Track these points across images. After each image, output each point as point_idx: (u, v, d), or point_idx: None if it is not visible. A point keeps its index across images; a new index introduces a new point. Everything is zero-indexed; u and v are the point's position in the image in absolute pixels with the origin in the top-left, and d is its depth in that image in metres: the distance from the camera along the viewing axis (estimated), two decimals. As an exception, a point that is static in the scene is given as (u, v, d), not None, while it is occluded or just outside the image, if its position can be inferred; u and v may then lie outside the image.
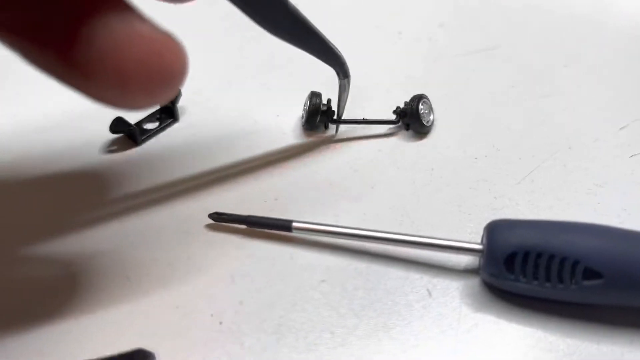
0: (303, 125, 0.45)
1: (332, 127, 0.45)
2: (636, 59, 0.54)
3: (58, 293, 0.35)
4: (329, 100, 0.44)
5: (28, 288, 0.35)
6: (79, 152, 0.43)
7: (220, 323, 0.34)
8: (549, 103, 0.49)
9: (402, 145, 0.45)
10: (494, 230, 0.35)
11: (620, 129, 0.46)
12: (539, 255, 0.33)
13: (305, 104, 0.45)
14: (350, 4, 0.61)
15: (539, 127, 0.46)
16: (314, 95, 0.44)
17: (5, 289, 0.35)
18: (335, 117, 0.44)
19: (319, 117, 0.44)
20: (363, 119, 0.45)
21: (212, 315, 0.34)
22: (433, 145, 0.45)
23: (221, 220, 0.39)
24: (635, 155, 0.44)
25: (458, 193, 0.41)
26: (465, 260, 0.37)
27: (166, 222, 0.39)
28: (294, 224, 0.37)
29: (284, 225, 0.38)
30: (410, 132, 0.45)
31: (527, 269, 0.33)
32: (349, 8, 0.60)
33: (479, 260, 0.36)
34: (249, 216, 0.38)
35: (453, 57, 0.53)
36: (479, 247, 0.35)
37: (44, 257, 0.37)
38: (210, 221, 0.39)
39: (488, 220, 0.36)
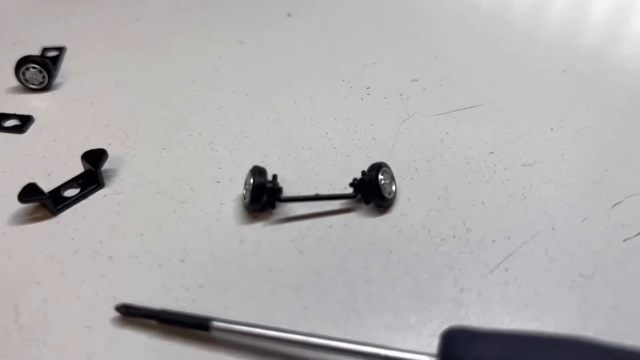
0: (245, 205, 0.39)
1: (280, 205, 0.39)
2: (635, 122, 0.48)
3: None
4: (274, 177, 0.38)
5: None
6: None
7: None
8: (532, 173, 0.43)
9: (357, 222, 0.38)
10: (451, 342, 0.28)
11: (613, 205, 0.40)
12: (503, 378, 0.27)
13: (246, 181, 0.39)
14: (311, 48, 0.56)
15: (519, 202, 0.40)
16: (258, 172, 0.38)
17: None
18: (281, 195, 0.38)
19: (264, 197, 0.38)
20: (315, 195, 0.38)
21: None
22: (393, 223, 0.38)
23: (130, 315, 0.32)
24: (629, 239, 0.38)
25: (418, 284, 0.35)
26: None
27: (67, 311, 0.33)
28: (214, 324, 0.31)
29: (201, 324, 0.31)
30: (369, 206, 0.39)
31: (489, 394, 0.27)
32: (312, 55, 0.55)
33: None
34: (162, 311, 0.32)
35: (426, 117, 0.48)
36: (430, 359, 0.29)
37: None
38: (117, 314, 0.33)
39: (450, 322, 0.30)
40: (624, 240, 0.37)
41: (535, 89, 0.51)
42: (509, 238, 0.38)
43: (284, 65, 0.53)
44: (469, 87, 0.51)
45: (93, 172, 0.40)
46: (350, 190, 0.39)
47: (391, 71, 0.53)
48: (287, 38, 0.58)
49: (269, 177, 0.38)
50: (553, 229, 0.38)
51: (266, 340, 0.31)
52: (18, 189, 0.38)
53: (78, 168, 0.41)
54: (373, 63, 0.54)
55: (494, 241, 0.37)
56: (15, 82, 0.49)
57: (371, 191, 0.38)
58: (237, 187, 0.40)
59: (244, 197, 0.39)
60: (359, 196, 0.39)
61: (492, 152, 0.44)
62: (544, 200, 0.40)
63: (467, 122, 0.47)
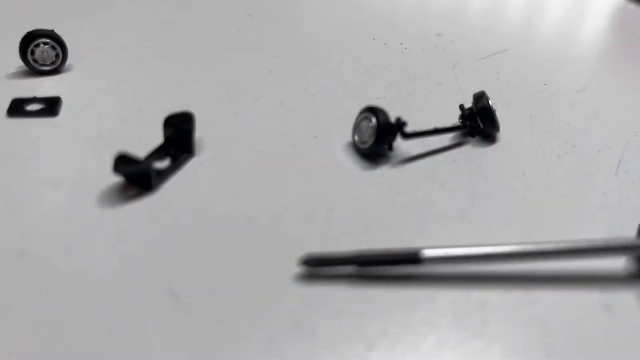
0: (363, 150, 0.35)
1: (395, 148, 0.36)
2: None
3: None
4: (398, 118, 0.35)
5: None
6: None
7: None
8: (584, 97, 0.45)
9: (477, 154, 0.37)
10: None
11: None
12: None
13: (358, 125, 0.36)
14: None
15: (599, 119, 0.42)
16: (379, 113, 0.35)
17: None
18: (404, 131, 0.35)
19: (388, 136, 0.35)
20: (434, 128, 0.36)
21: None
22: (508, 149, 0.38)
23: (319, 265, 0.27)
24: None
25: (565, 195, 0.34)
26: (619, 264, 0.30)
27: (239, 283, 0.27)
28: (425, 253, 0.27)
29: (410, 258, 0.27)
30: (476, 138, 0.38)
31: None
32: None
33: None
34: (358, 253, 0.28)
35: (470, 62, 0.48)
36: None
37: None
38: (301, 270, 0.28)
39: (613, 219, 0.31)
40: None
41: (565, 30, 0.54)
42: (609, 147, 0.39)
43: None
44: (488, 38, 0.53)
45: (180, 138, 0.33)
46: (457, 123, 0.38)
47: (412, 30, 0.53)
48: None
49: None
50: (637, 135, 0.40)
51: (487, 260, 0.28)
52: (89, 174, 0.31)
53: (149, 143, 0.34)
54: (391, 24, 0.53)
55: (599, 151, 0.38)
56: (12, 68, 0.40)
57: (484, 119, 0.37)
58: (336, 139, 0.37)
59: (361, 142, 0.35)
60: (468, 127, 0.38)
61: (546, 84, 0.46)
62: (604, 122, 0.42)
63: (505, 62, 0.48)
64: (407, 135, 0.35)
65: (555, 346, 0.26)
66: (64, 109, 0.37)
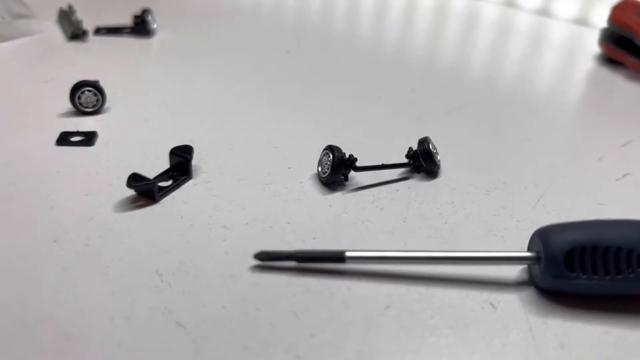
0: (323, 179, 0.45)
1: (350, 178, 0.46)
2: None
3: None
4: (350, 155, 0.45)
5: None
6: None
7: (297, 356, 0.31)
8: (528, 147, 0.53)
9: (418, 186, 0.46)
10: (548, 233, 0.36)
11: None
12: (594, 249, 0.35)
13: (321, 160, 0.45)
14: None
15: (529, 161, 0.50)
16: (335, 150, 0.44)
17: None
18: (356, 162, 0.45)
19: (342, 169, 0.44)
20: (382, 164, 0.46)
21: (285, 350, 0.32)
22: (445, 184, 0.46)
23: (268, 259, 0.37)
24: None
25: (484, 220, 0.43)
26: (513, 273, 0.38)
27: (206, 267, 0.37)
28: (347, 254, 0.36)
29: (337, 257, 0.36)
30: (421, 175, 0.47)
31: (585, 264, 0.34)
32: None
33: (531, 270, 0.37)
34: (297, 251, 0.37)
35: (433, 115, 0.57)
36: (532, 254, 0.36)
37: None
38: (255, 262, 0.37)
39: (520, 240, 0.38)
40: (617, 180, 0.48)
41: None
42: (535, 185, 0.47)
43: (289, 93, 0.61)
44: (448, 91, 0.62)
45: (182, 164, 0.44)
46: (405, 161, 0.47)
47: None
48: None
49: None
50: (563, 177, 0.48)
51: (393, 262, 0.37)
52: (110, 188, 0.42)
53: (159, 168, 0.45)
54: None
55: (525, 188, 0.46)
56: (63, 109, 0.52)
57: (425, 159, 0.46)
58: (305, 170, 0.46)
59: (322, 173, 0.45)
60: (413, 165, 0.47)
61: (494, 134, 0.54)
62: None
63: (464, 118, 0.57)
64: (357, 169, 0.45)
65: (438, 328, 0.34)
66: (99, 141, 0.49)
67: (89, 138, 0.48)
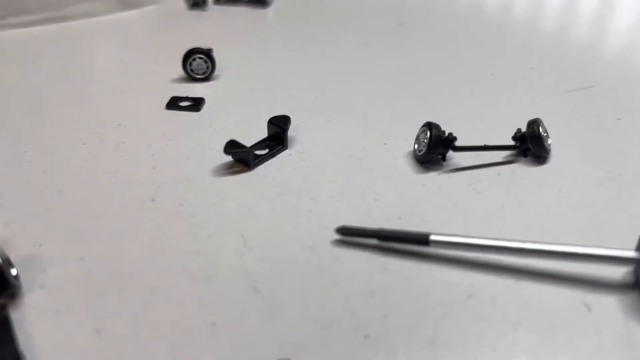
0: (418, 157, 0.43)
1: (449, 158, 0.44)
2: None
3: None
4: (450, 134, 0.43)
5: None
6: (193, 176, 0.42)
7: (366, 336, 0.31)
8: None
9: (523, 171, 0.43)
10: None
11: None
12: None
13: (418, 137, 0.44)
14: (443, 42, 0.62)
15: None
16: (433, 127, 0.42)
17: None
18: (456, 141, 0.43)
19: (439, 148, 0.42)
20: (484, 145, 0.43)
21: (355, 328, 0.31)
22: (554, 170, 0.43)
23: (350, 234, 0.36)
24: None
25: (592, 213, 0.39)
26: (619, 273, 0.34)
27: (289, 236, 0.37)
28: (432, 237, 0.35)
29: (421, 239, 0.35)
30: (528, 159, 0.44)
31: None
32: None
33: (638, 273, 0.33)
34: (380, 229, 0.36)
35: (550, 95, 0.53)
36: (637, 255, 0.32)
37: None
38: (337, 237, 0.37)
39: (630, 238, 0.34)
40: None
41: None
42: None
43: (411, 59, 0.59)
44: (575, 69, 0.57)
45: (279, 134, 0.44)
46: (511, 144, 0.44)
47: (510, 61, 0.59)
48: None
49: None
50: (697, 172, 0.42)
51: (480, 249, 0.35)
52: (210, 153, 0.43)
53: (258, 136, 0.45)
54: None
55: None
56: (177, 74, 0.54)
57: (533, 143, 0.43)
58: (402, 147, 0.45)
59: (418, 151, 0.43)
60: (519, 149, 0.44)
61: (619, 119, 0.49)
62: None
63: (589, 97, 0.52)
64: (456, 149, 0.43)
65: (521, 324, 0.32)
66: (205, 107, 0.51)
67: (196, 103, 0.50)
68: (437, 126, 0.43)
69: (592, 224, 0.38)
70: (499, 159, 0.44)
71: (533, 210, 0.39)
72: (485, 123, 0.49)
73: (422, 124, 0.44)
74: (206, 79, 0.54)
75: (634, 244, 0.34)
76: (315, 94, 0.53)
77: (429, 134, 0.42)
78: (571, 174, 0.42)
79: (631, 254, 0.33)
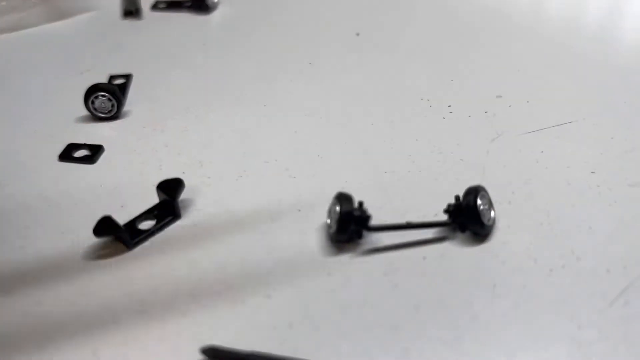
0: (330, 236, 0.36)
1: (367, 234, 0.36)
2: None
3: None
4: (361, 204, 0.36)
5: None
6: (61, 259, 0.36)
7: None
8: (641, 193, 0.39)
9: (454, 252, 0.35)
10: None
11: None
12: None
13: (330, 210, 0.36)
14: (384, 67, 0.53)
15: (631, 226, 0.36)
16: (344, 199, 0.35)
17: None
18: (369, 220, 0.35)
19: (352, 226, 0.35)
20: (407, 222, 0.35)
21: None
22: (495, 253, 0.35)
23: (216, 358, 0.30)
24: None
25: (530, 321, 0.31)
26: None
27: (148, 353, 0.31)
28: (310, 370, 0.28)
29: (298, 370, 0.29)
30: (465, 234, 0.36)
31: None
32: (384, 73, 0.53)
33: None
34: (250, 354, 0.29)
35: (517, 135, 0.44)
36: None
37: None
38: (203, 357, 0.30)
39: None
40: None
41: (636, 101, 0.47)
42: (625, 267, 0.34)
43: (357, 87, 0.51)
44: (558, 102, 0.47)
45: (169, 202, 0.38)
46: (444, 217, 0.36)
47: (472, 88, 0.50)
48: (357, 58, 0.55)
49: (355, 204, 0.35)
50: (676, 256, 0.34)
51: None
52: (92, 222, 0.36)
53: (152, 199, 0.39)
54: (451, 80, 0.51)
55: (608, 270, 0.34)
56: (84, 112, 0.47)
57: (469, 218, 0.35)
58: (318, 215, 0.38)
59: (329, 227, 0.36)
60: (454, 224, 0.36)
61: (593, 172, 0.40)
62: (659, 223, 0.36)
63: (561, 139, 0.43)
64: (371, 229, 0.35)
65: None
66: (103, 157, 0.44)
67: (92, 154, 0.43)
68: (348, 198, 0.35)
69: (526, 339, 0.30)
70: (431, 235, 0.36)
71: (453, 315, 0.32)
72: (423, 180, 0.41)
73: (350, 180, 0.37)
74: (114, 117, 0.47)
75: None
76: (236, 136, 0.46)
77: (338, 208, 0.35)
78: (514, 259, 0.34)
79: None
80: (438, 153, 0.43)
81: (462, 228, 0.36)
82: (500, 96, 0.48)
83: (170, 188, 0.38)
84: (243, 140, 0.45)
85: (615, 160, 0.41)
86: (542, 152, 0.42)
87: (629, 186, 0.39)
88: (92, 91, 0.46)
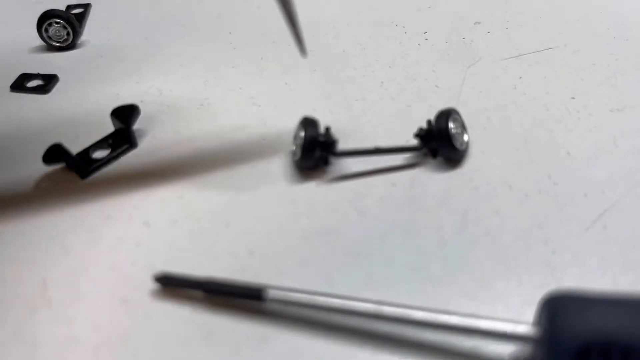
0: (296, 162, 0.34)
1: (334, 161, 0.34)
2: None
3: None
4: (327, 129, 0.34)
5: None
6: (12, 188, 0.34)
7: None
8: (622, 119, 0.37)
9: (425, 179, 0.33)
10: (559, 309, 0.23)
11: None
12: (627, 351, 0.22)
13: (296, 135, 0.34)
14: None
15: (610, 152, 0.35)
16: (309, 124, 0.33)
17: None
18: (336, 149, 0.33)
19: (317, 152, 0.33)
20: (375, 147, 0.34)
21: None
22: (468, 178, 0.33)
23: (170, 285, 0.28)
24: None
25: (502, 246, 0.30)
26: (508, 349, 0.25)
27: (100, 283, 0.29)
28: (269, 293, 0.27)
29: (255, 294, 0.27)
30: (438, 160, 0.34)
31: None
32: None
33: (532, 353, 0.25)
34: (208, 280, 0.28)
35: (494, 62, 0.42)
36: (532, 332, 0.24)
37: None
38: (157, 286, 0.29)
39: (544, 289, 0.26)
40: None
41: (617, 28, 0.45)
42: (603, 192, 0.32)
43: (327, 12, 0.48)
44: (539, 28, 0.45)
45: (124, 130, 0.35)
46: (414, 142, 0.34)
47: (450, 14, 0.47)
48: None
49: (321, 129, 0.33)
50: (656, 179, 0.33)
51: (329, 311, 0.26)
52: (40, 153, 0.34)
53: (109, 128, 0.37)
54: (428, 6, 0.48)
55: (585, 195, 0.32)
56: (38, 41, 0.45)
57: (440, 142, 0.33)
58: (284, 144, 0.36)
59: (294, 154, 0.34)
60: (425, 148, 0.34)
61: (573, 98, 0.38)
62: (638, 148, 0.35)
63: (541, 65, 0.41)
64: (338, 154, 0.33)
65: None
66: (57, 87, 0.41)
67: (45, 83, 0.41)
68: (313, 123, 0.33)
69: (499, 264, 0.29)
70: (400, 162, 0.34)
71: (424, 241, 0.30)
72: (396, 109, 0.39)
73: (320, 108, 0.35)
74: (69, 47, 0.44)
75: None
76: (198, 64, 0.43)
77: (302, 133, 0.33)
78: (489, 184, 0.33)
79: (520, 329, 0.24)
80: (412, 80, 0.40)
81: (434, 153, 0.34)
82: (479, 22, 0.46)
83: (125, 114, 0.35)
84: (205, 68, 0.43)
85: (597, 87, 0.39)
86: (521, 77, 0.40)
87: (610, 111, 0.37)
88: (46, 18, 0.43)
